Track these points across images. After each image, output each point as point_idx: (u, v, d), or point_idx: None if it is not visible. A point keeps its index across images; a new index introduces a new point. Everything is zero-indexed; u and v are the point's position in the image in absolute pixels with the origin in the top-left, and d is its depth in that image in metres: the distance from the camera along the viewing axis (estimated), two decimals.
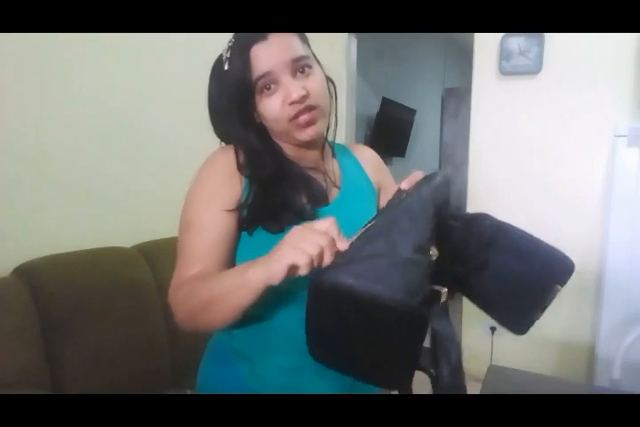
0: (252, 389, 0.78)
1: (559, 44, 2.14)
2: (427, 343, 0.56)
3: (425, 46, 4.36)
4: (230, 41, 0.73)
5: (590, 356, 2.17)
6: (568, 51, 2.14)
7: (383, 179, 0.90)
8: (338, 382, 0.78)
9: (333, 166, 0.84)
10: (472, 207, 2.37)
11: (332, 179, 0.81)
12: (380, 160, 0.94)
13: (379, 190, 0.89)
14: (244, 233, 0.73)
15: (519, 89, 2.27)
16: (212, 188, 0.74)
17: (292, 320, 0.72)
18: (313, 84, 0.72)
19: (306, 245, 0.55)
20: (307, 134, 0.73)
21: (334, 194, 0.80)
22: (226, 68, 0.72)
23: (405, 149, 4.16)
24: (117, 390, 1.40)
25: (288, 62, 0.70)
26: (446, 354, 0.61)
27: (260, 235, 0.72)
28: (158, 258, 1.70)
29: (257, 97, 0.72)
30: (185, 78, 1.94)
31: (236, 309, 0.64)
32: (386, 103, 3.82)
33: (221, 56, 0.75)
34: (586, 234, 2.19)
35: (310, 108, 0.71)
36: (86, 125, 1.62)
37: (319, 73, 0.75)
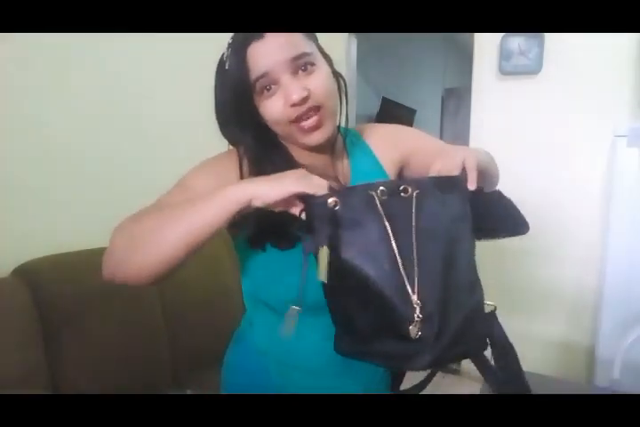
0: (278, 386, 0.78)
1: (559, 44, 2.14)
2: None
3: (425, 46, 4.36)
4: (231, 38, 0.69)
5: (590, 356, 2.17)
6: (568, 51, 2.14)
7: (405, 149, 0.82)
8: (355, 385, 0.80)
9: (343, 165, 0.79)
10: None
11: (342, 181, 0.77)
12: (396, 131, 0.86)
13: (401, 167, 0.83)
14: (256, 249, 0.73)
15: (519, 89, 2.27)
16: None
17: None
18: (316, 82, 0.67)
19: (314, 182, 0.57)
20: (313, 139, 0.69)
21: None
22: (226, 67, 0.68)
23: None
24: (117, 390, 1.40)
25: (287, 61, 0.65)
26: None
27: (273, 250, 0.71)
28: None
29: (257, 98, 0.68)
30: (186, 78, 1.94)
31: (192, 232, 0.57)
32: (386, 103, 3.82)
33: (223, 54, 0.70)
34: (586, 234, 2.19)
35: (314, 110, 0.67)
36: (86, 126, 1.62)
37: (324, 70, 0.69)
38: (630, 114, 2.04)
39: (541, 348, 2.32)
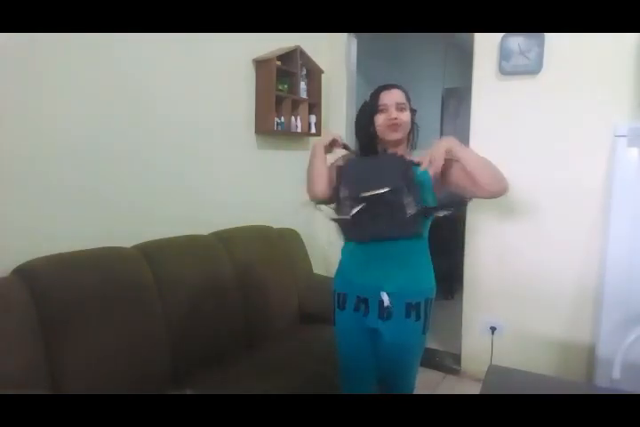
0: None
1: (559, 44, 2.14)
2: None
3: (425, 46, 4.36)
4: (373, 89, 1.47)
5: (590, 356, 2.17)
6: (568, 51, 2.14)
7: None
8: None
9: (405, 155, 1.47)
10: (471, 207, 2.38)
11: None
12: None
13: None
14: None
15: (519, 89, 2.27)
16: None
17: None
18: (402, 115, 1.44)
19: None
20: (392, 136, 1.45)
21: None
22: (368, 99, 1.47)
23: None
24: (117, 390, 1.40)
25: (394, 103, 1.43)
26: None
27: None
28: (158, 258, 1.71)
29: (376, 114, 1.45)
30: (189, 79, 1.94)
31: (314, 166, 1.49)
32: None
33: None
34: (586, 234, 2.19)
35: (397, 124, 1.43)
36: (88, 126, 1.62)
37: (407, 111, 1.46)
38: (630, 114, 2.04)
39: (541, 348, 2.32)
